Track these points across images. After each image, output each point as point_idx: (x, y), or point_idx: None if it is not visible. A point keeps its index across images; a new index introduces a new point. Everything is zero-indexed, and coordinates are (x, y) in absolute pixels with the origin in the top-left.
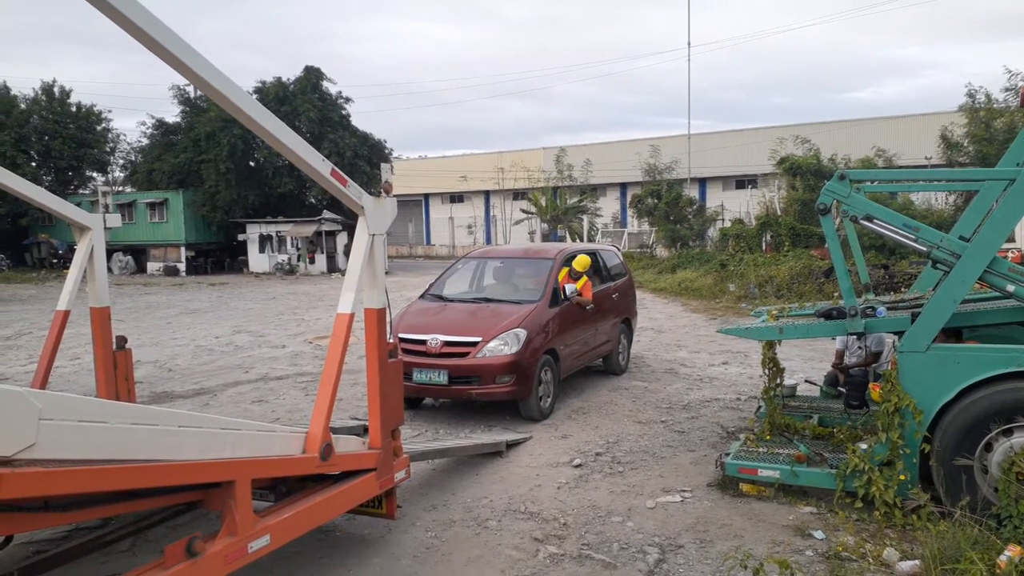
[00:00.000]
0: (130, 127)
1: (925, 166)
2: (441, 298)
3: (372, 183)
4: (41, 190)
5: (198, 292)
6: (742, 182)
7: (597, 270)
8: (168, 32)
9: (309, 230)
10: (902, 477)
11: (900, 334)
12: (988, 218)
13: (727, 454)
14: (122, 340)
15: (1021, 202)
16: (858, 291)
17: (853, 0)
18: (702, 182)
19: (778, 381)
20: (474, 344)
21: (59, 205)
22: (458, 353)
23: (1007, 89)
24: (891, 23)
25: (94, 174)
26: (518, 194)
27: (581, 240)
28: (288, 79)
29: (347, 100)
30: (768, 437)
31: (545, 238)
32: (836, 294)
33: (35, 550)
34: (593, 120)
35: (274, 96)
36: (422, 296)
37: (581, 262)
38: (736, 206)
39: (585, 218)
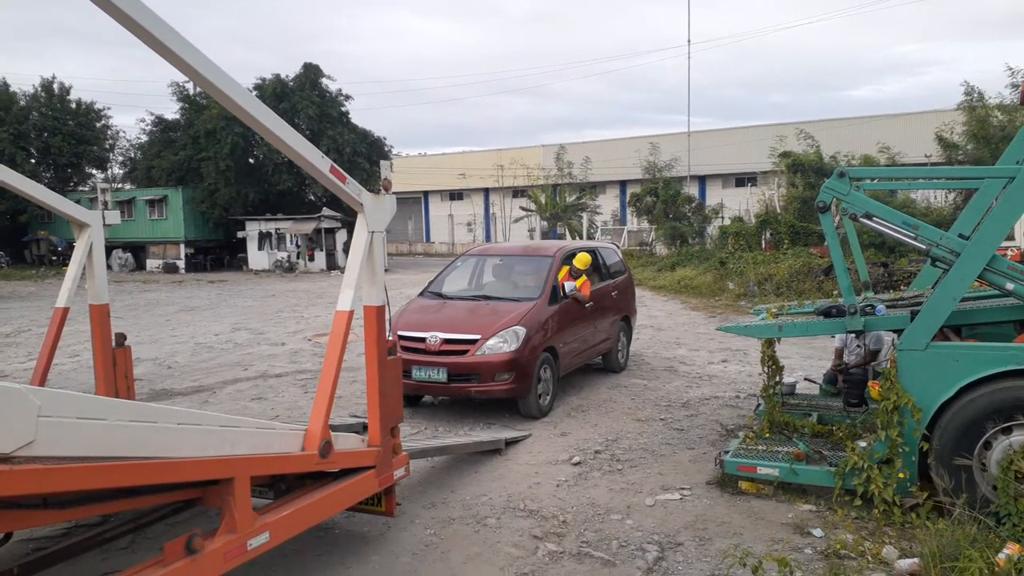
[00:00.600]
0: (129, 124)
1: (925, 164)
2: (440, 296)
3: (371, 180)
4: (40, 187)
5: (197, 289)
6: (742, 180)
7: (596, 268)
8: (167, 28)
9: (308, 227)
10: (901, 475)
11: (899, 332)
12: (987, 216)
13: (726, 452)
14: (121, 337)
15: (1020, 200)
16: (857, 289)
17: None
18: (702, 180)
19: (777, 379)
20: (473, 342)
21: (58, 202)
22: (457, 351)
23: (1011, 85)
24: (891, 21)
25: (93, 171)
26: (518, 192)
27: (580, 238)
28: (287, 76)
29: (346, 97)
30: (767, 435)
31: (544, 236)
32: (835, 292)
33: (34, 547)
34: (593, 117)
35: (272, 93)
36: (421, 293)
37: (582, 260)
38: (736, 204)
39: (585, 216)
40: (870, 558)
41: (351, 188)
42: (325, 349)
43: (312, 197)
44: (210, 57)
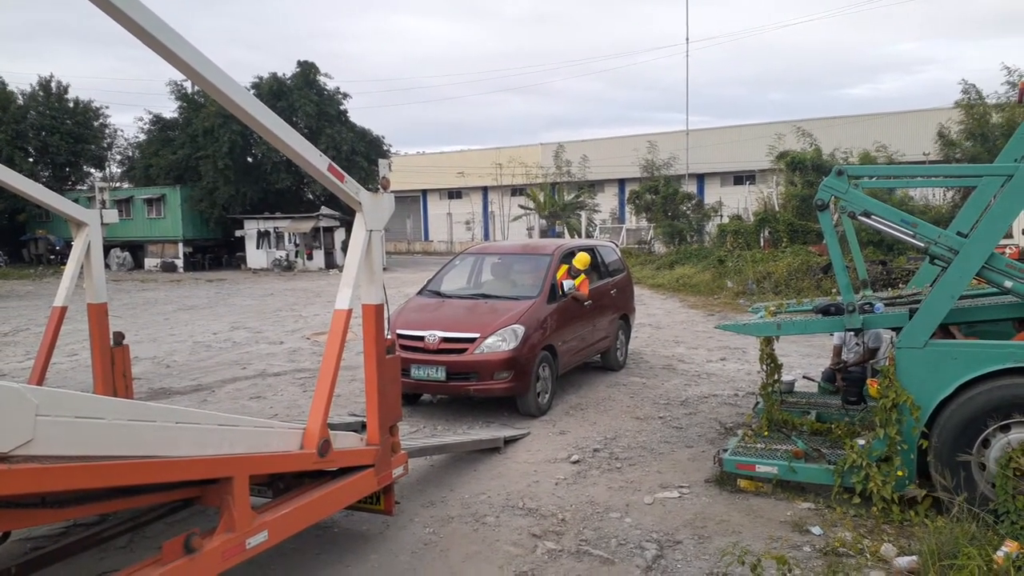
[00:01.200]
0: (127, 123)
1: (923, 162)
2: (439, 294)
3: (370, 179)
4: (38, 186)
5: (196, 288)
6: (740, 178)
7: (595, 266)
8: (166, 28)
9: (307, 226)
10: (900, 473)
11: (898, 330)
12: (986, 214)
13: (725, 450)
14: (119, 336)
15: (1019, 198)
16: (856, 287)
17: None
18: (700, 178)
19: (776, 377)
20: (472, 340)
21: (56, 201)
22: (456, 349)
23: (1008, 84)
24: (889, 19)
25: (91, 170)
26: (516, 190)
27: (579, 236)
28: (284, 75)
29: (344, 96)
30: (766, 433)
31: (543, 234)
32: (834, 290)
33: (32, 546)
34: (591, 116)
35: (270, 91)
36: (420, 292)
37: (581, 259)
38: (734, 202)
39: (583, 214)
40: (869, 556)
41: (349, 187)
42: (324, 348)
43: (311, 196)
44: (207, 57)
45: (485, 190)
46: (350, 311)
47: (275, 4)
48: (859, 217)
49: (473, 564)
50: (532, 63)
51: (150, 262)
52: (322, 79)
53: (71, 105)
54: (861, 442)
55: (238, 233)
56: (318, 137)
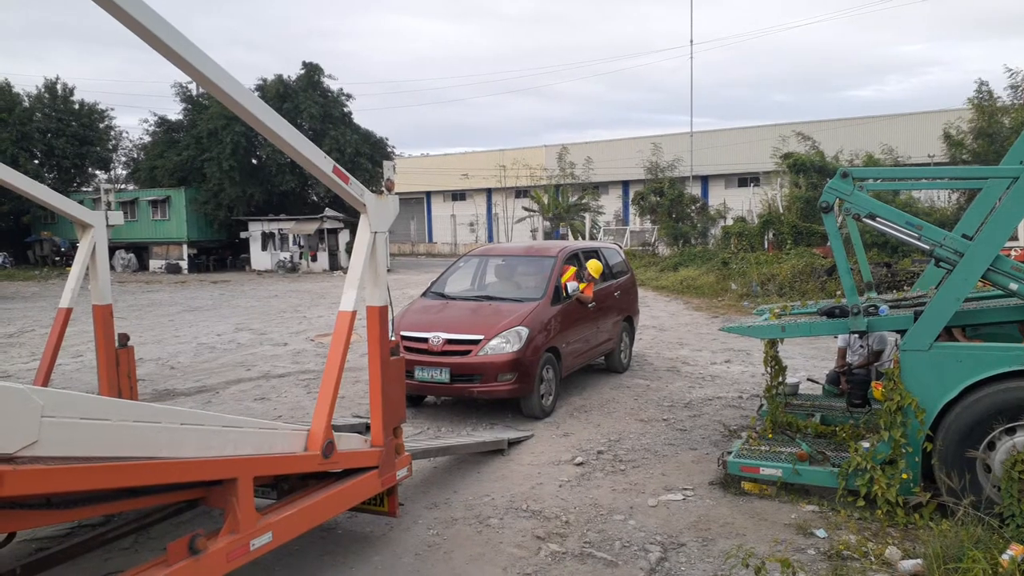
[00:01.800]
0: (132, 124)
1: (928, 164)
2: (443, 296)
3: (374, 181)
4: (44, 187)
5: (200, 290)
6: (744, 180)
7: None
8: (171, 29)
9: (311, 228)
10: (904, 476)
11: (902, 332)
12: (991, 216)
13: (729, 452)
14: (124, 338)
15: None
16: (860, 289)
17: None
18: (704, 180)
19: (780, 379)
20: (476, 342)
21: (62, 203)
22: (460, 351)
23: (1012, 87)
24: (894, 21)
25: (97, 172)
26: (520, 192)
27: (583, 238)
28: (289, 76)
29: (348, 97)
30: (770, 435)
31: (547, 236)
32: (838, 292)
33: (37, 547)
34: (595, 118)
35: (275, 93)
36: (424, 294)
37: (594, 268)
38: (738, 204)
39: (587, 216)
40: (873, 559)
41: (354, 189)
42: (328, 349)
43: (315, 198)
44: (213, 59)
45: (489, 192)
46: (354, 313)
47: (275, 4)
48: (864, 219)
49: (477, 566)
50: (534, 64)
51: (155, 264)
52: (326, 80)
53: (77, 107)
54: (866, 445)
55: (242, 235)
56: (322, 139)
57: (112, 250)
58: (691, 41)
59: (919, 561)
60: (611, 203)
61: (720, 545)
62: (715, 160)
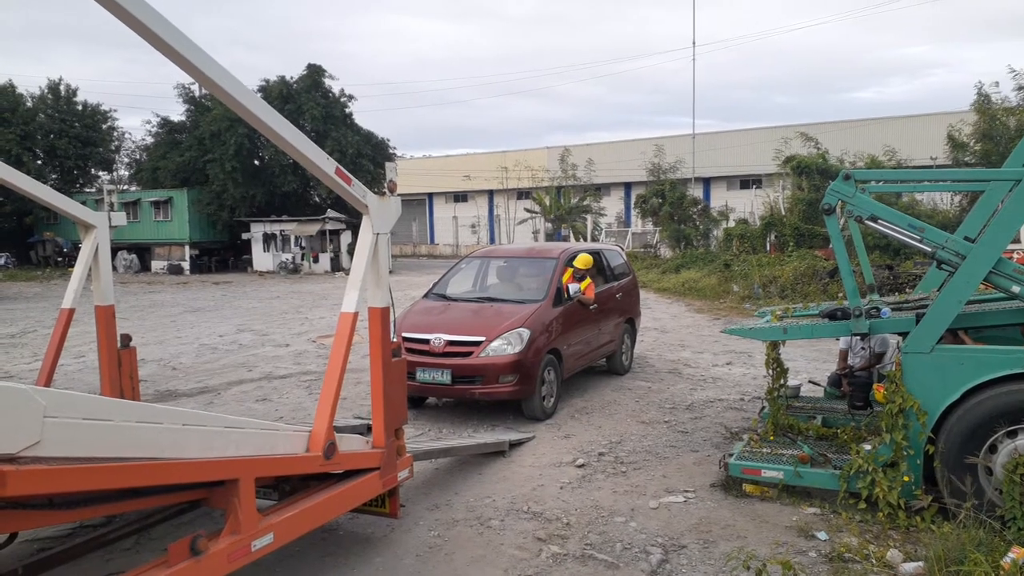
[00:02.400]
0: (135, 126)
1: (931, 166)
2: (445, 297)
3: (375, 182)
4: (46, 188)
5: (202, 291)
6: (746, 182)
7: (601, 270)
8: (174, 30)
9: (313, 229)
10: (906, 478)
11: (904, 335)
12: (994, 219)
13: (730, 455)
14: (126, 338)
15: None
16: (862, 292)
17: None
18: (706, 182)
19: (782, 382)
20: (477, 343)
21: (64, 203)
22: (461, 352)
23: (1019, 88)
24: (897, 22)
25: (99, 172)
26: (522, 193)
27: (585, 240)
28: (291, 77)
29: (350, 98)
30: (772, 438)
31: (549, 238)
32: (840, 295)
33: (39, 548)
34: (597, 119)
35: (278, 95)
36: (426, 295)
37: (583, 260)
38: (740, 206)
39: (589, 218)
40: (875, 561)
41: (356, 190)
42: (330, 350)
43: (317, 199)
44: (216, 60)
45: (491, 193)
46: (356, 314)
47: (276, 5)
48: (866, 221)
49: (478, 567)
50: (535, 66)
51: (157, 264)
52: (328, 81)
53: (79, 108)
54: (867, 447)
55: (244, 236)
56: (324, 140)
57: (114, 251)
58: (693, 43)
59: (920, 564)
60: (613, 205)
61: (721, 547)
62: (717, 162)
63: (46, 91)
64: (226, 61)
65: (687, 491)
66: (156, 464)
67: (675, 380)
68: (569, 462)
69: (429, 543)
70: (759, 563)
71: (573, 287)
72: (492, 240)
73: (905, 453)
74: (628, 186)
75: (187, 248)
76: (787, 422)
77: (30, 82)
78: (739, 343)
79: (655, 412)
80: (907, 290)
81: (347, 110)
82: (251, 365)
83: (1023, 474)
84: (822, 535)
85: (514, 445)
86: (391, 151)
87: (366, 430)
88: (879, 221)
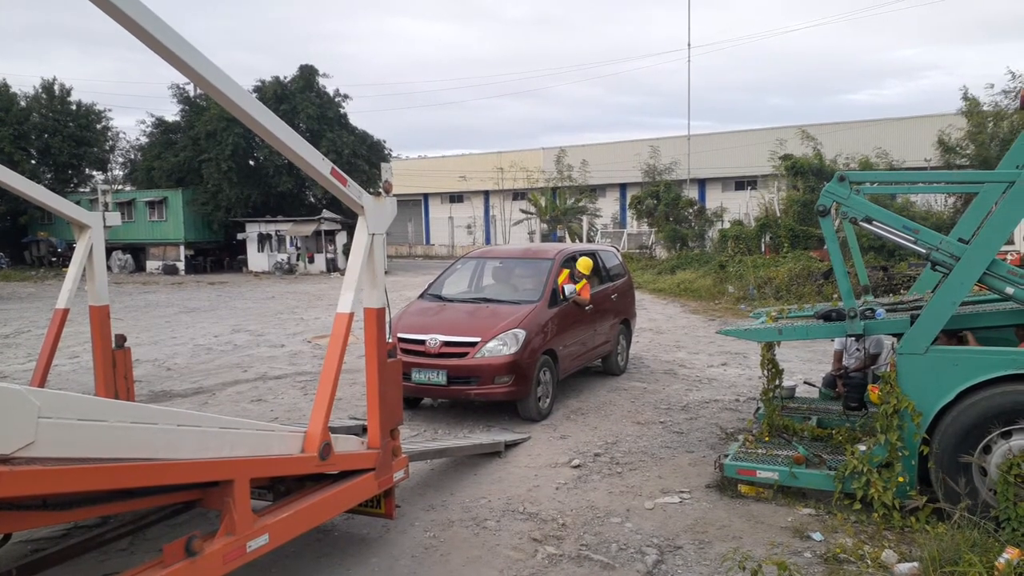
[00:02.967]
0: (130, 125)
1: (924, 168)
2: (440, 298)
3: (371, 182)
4: (40, 188)
5: (197, 291)
6: (741, 183)
7: (596, 271)
8: (169, 30)
9: (308, 229)
10: (900, 479)
11: (899, 336)
12: (987, 220)
13: (726, 455)
14: (121, 339)
15: (1020, 204)
16: (857, 293)
17: (853, 1)
18: (701, 183)
19: (777, 382)
20: (473, 344)
21: (58, 203)
22: (457, 353)
23: (1007, 91)
24: (892, 24)
25: (94, 172)
26: (517, 194)
27: (580, 241)
28: (286, 78)
29: (345, 98)
30: (767, 438)
31: (544, 238)
32: (835, 296)
33: (33, 548)
34: (592, 121)
35: (273, 95)
36: (421, 296)
37: (584, 264)
38: (735, 207)
39: (584, 219)
40: (869, 562)
41: (352, 191)
42: (325, 351)
43: (312, 199)
44: (212, 61)
45: (486, 194)
46: (352, 315)
47: (276, 6)
48: (861, 223)
49: (473, 568)
50: (532, 67)
51: (151, 264)
52: (322, 80)
53: (73, 108)
54: (862, 448)
55: (240, 236)
56: (319, 140)
57: (109, 251)
58: (689, 45)
59: (915, 564)
60: (608, 206)
61: (717, 548)
62: (712, 163)
63: (40, 91)
64: (225, 63)
65: (683, 492)
66: (151, 465)
67: (671, 381)
68: (565, 463)
69: (425, 544)
70: (754, 564)
71: (569, 288)
72: (488, 241)
73: (900, 454)
74: (624, 187)
75: (182, 248)
76: (782, 423)
77: (26, 82)
78: (734, 344)
79: (651, 413)
80: (902, 291)
81: (342, 110)
82: (246, 366)
83: (1017, 475)
84: (817, 536)
85: (510, 446)
86: (387, 152)
87: (361, 431)
88: (874, 223)
